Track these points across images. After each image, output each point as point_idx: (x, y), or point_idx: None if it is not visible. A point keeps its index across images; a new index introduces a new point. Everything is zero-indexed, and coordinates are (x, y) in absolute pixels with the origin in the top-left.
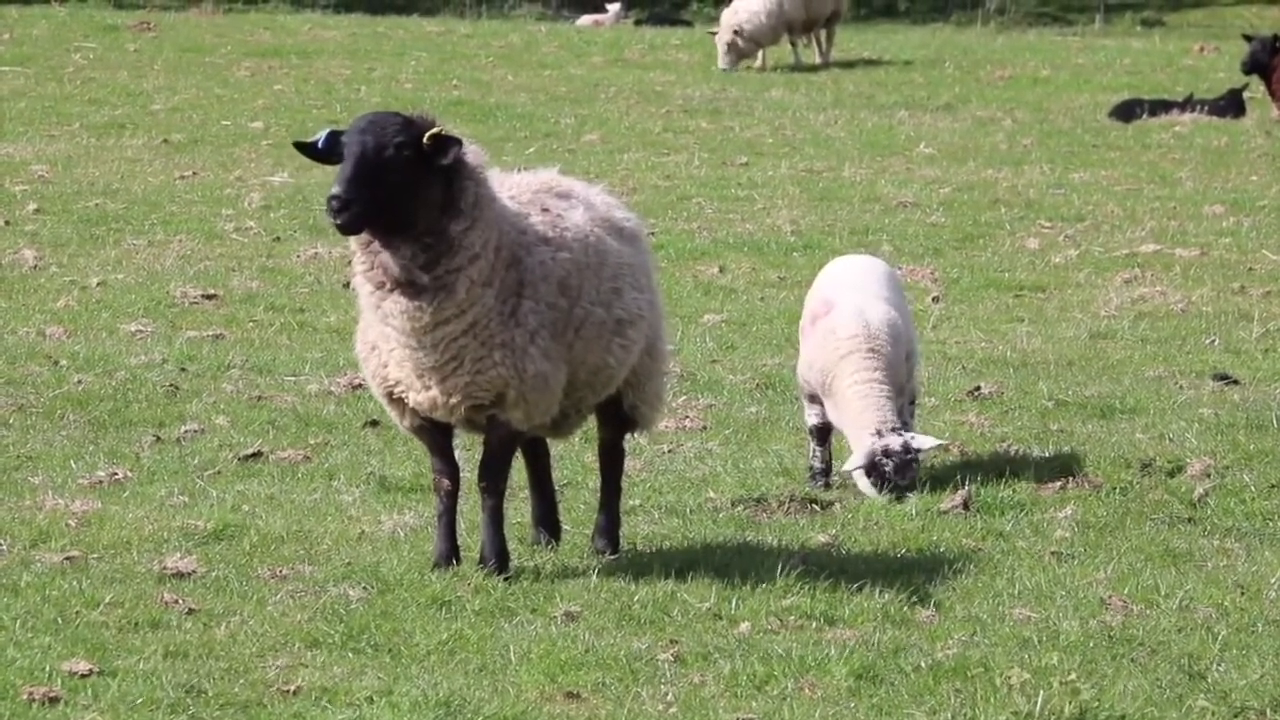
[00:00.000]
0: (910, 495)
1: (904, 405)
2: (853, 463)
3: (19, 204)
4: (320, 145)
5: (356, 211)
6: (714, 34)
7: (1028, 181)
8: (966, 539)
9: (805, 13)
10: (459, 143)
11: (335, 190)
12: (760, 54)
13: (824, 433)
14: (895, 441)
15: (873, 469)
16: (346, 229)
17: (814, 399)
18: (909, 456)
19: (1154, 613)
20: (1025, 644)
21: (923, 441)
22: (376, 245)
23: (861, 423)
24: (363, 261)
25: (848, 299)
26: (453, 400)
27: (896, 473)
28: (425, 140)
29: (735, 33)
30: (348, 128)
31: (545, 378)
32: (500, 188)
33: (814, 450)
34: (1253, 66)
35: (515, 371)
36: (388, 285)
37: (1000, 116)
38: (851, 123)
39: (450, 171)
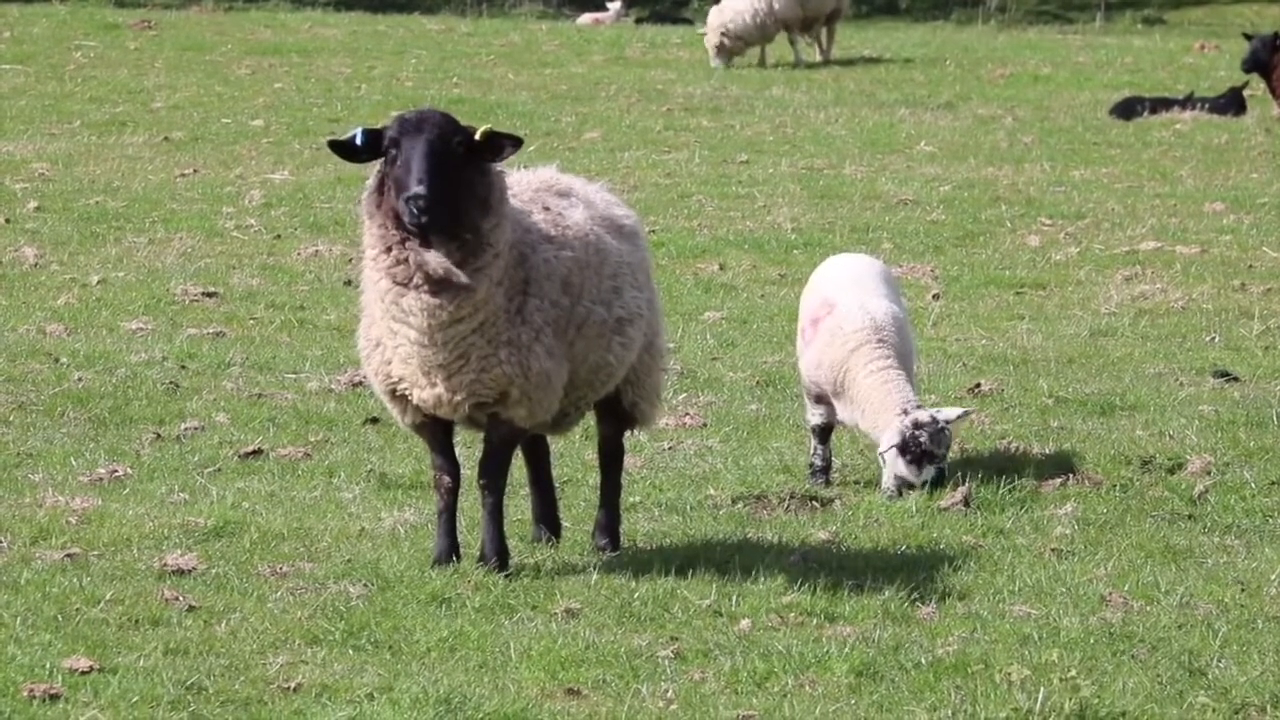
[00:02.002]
0: (910, 493)
1: None
2: (886, 443)
3: (20, 202)
4: (358, 143)
5: (440, 209)
6: (704, 34)
7: (1028, 179)
8: (966, 536)
9: (802, 11)
10: (518, 141)
11: (418, 189)
12: (761, 51)
13: (826, 431)
14: (923, 415)
15: (907, 446)
16: (431, 228)
17: (820, 399)
18: (940, 426)
19: (1154, 609)
20: (1025, 641)
21: (948, 413)
22: (414, 243)
23: (885, 406)
24: (388, 259)
25: (849, 296)
26: (457, 398)
27: (932, 442)
28: (479, 136)
29: (722, 33)
30: (391, 126)
31: (549, 376)
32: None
33: (815, 448)
34: (1253, 64)
35: (520, 369)
36: (414, 282)
37: (1001, 114)
38: (852, 120)
39: (485, 168)
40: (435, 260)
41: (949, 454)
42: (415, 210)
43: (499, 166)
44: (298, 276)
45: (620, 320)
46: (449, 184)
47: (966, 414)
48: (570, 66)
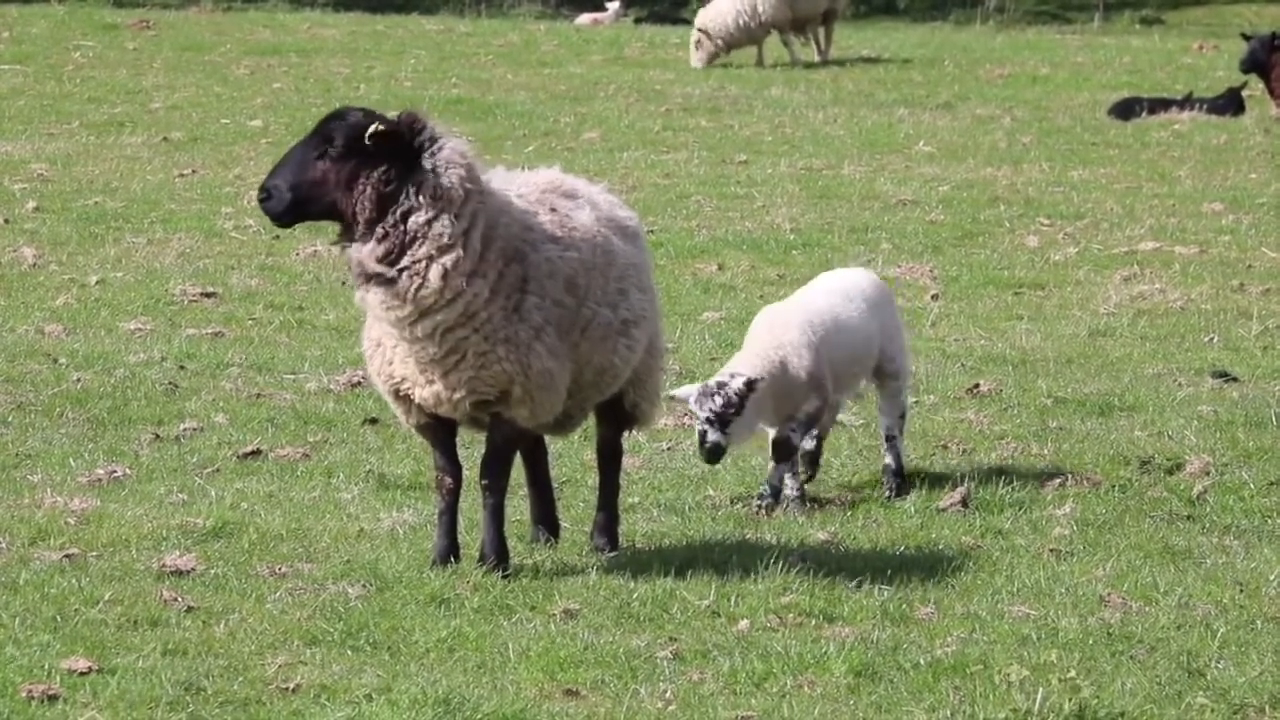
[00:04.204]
0: (909, 494)
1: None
2: (682, 389)
3: (18, 202)
4: None
5: (274, 202)
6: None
7: (1027, 179)
8: (965, 536)
9: (791, 13)
10: (410, 119)
11: (265, 180)
12: (759, 51)
13: (813, 458)
14: (712, 382)
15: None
16: (274, 218)
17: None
18: (702, 391)
19: (1153, 610)
20: (1024, 641)
21: (685, 390)
22: (346, 239)
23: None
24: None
25: (800, 297)
26: (457, 395)
27: (695, 402)
28: (367, 137)
29: (701, 30)
30: None
31: (551, 374)
32: (508, 185)
33: (793, 477)
34: (1251, 65)
35: (520, 367)
36: (364, 278)
37: (999, 114)
38: (851, 121)
39: (408, 166)
40: (352, 256)
41: (711, 425)
42: (259, 199)
43: (458, 164)
44: (296, 277)
45: (626, 322)
46: (306, 177)
47: (687, 397)
48: (569, 67)
